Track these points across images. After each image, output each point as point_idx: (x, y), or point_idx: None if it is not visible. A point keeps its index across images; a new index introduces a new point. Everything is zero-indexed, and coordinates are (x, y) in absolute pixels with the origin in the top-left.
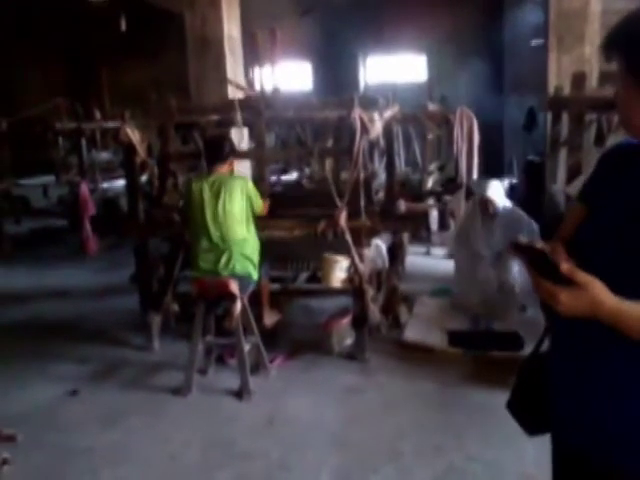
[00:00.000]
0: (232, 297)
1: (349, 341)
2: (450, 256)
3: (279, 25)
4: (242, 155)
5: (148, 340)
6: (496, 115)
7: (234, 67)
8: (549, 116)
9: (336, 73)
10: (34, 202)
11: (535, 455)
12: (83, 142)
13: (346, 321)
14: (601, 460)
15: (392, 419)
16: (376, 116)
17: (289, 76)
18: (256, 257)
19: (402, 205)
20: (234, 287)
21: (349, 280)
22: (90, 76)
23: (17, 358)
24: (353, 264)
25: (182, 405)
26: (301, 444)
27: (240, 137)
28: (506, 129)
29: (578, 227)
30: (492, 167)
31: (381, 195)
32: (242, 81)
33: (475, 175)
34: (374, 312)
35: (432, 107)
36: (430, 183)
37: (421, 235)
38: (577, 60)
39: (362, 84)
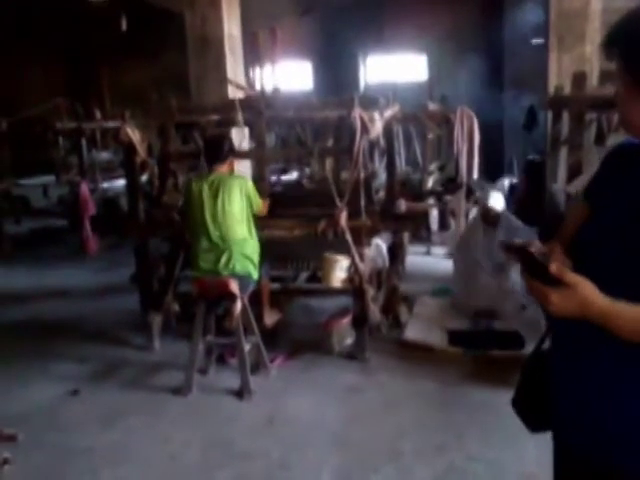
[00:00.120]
0: (232, 297)
1: (349, 341)
2: (450, 255)
3: (279, 25)
4: (242, 155)
5: (148, 340)
6: (496, 114)
7: (234, 67)
8: (549, 115)
9: (336, 73)
10: (34, 202)
11: (536, 454)
12: (83, 142)
13: (346, 321)
14: (601, 460)
15: (392, 418)
16: (376, 116)
17: (289, 76)
18: (256, 257)
19: (402, 205)
20: (234, 287)
21: (349, 280)
22: (90, 76)
23: (17, 358)
24: (353, 264)
25: (182, 405)
26: (301, 444)
27: (241, 137)
28: (506, 128)
29: (581, 227)
30: (492, 166)
31: (381, 195)
32: (242, 81)
33: (475, 175)
34: (374, 312)
35: (432, 106)
36: (430, 183)
37: (421, 235)
38: (577, 59)
39: (362, 84)
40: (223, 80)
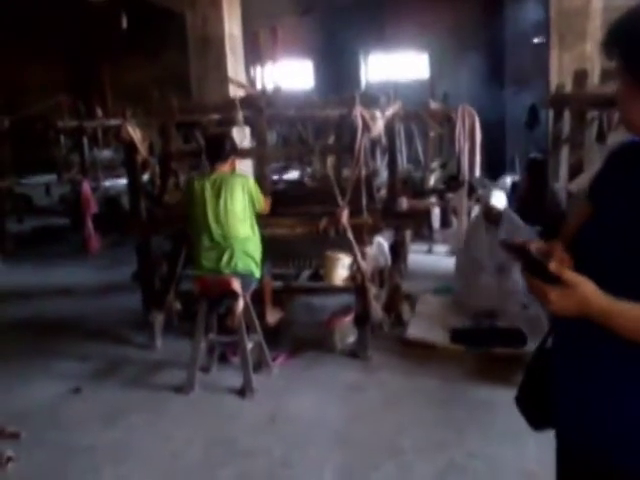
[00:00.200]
0: (234, 295)
1: (351, 339)
2: (452, 254)
3: (280, 23)
4: (244, 153)
5: (150, 338)
6: (498, 112)
7: (235, 66)
8: (551, 113)
9: (337, 71)
10: (36, 200)
11: (536, 452)
12: (85, 140)
13: (348, 319)
14: (601, 459)
15: (394, 416)
16: (378, 114)
17: (290, 74)
18: (258, 255)
19: (404, 203)
20: (236, 285)
21: (351, 278)
22: (91, 74)
23: (19, 355)
24: (355, 262)
25: (184, 403)
26: (303, 442)
27: (242, 136)
28: (508, 126)
29: (583, 225)
30: (494, 164)
31: (383, 193)
32: (243, 80)
33: (477, 173)
34: (376, 310)
35: (434, 105)
36: (432, 181)
37: (423, 233)
38: (578, 57)
39: (363, 82)
40: (224, 79)
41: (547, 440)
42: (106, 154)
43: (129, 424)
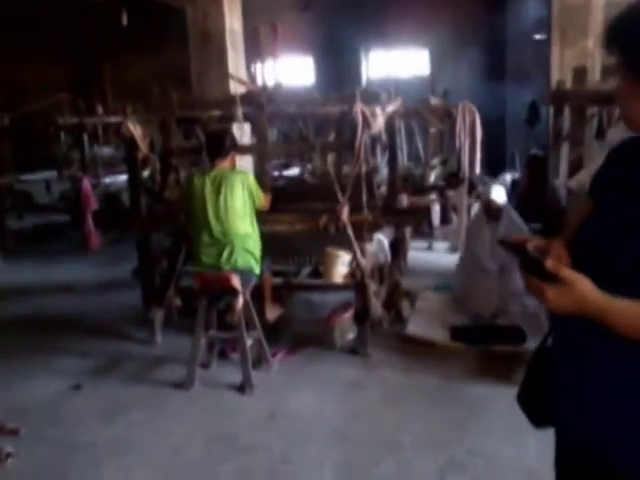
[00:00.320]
0: (234, 292)
1: (351, 336)
2: (452, 251)
3: (281, 19)
4: (244, 150)
5: (150, 334)
6: (498, 109)
7: (236, 62)
8: (551, 110)
9: (338, 68)
10: (37, 197)
11: (536, 449)
12: (85, 137)
13: (348, 316)
14: (600, 457)
15: (394, 413)
16: (378, 110)
17: (291, 71)
18: (258, 251)
19: (404, 200)
20: (236, 282)
21: (351, 275)
22: (92, 71)
23: (20, 352)
24: (355, 259)
25: (184, 399)
26: (303, 438)
27: (241, 132)
28: (508, 123)
29: (583, 222)
30: (495, 161)
31: (383, 189)
32: (244, 76)
33: (478, 170)
34: (376, 307)
35: (434, 101)
36: (432, 177)
37: (423, 230)
38: (580, 54)
39: (364, 79)
40: (225, 75)
41: (547, 438)
42: (106, 151)
43: (129, 420)
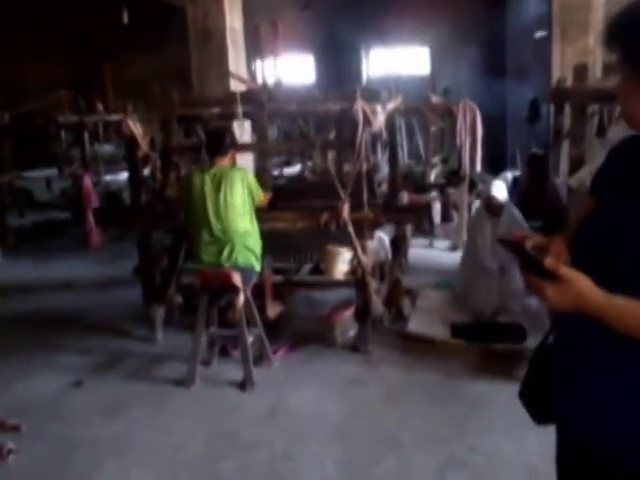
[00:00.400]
0: (235, 289)
1: (352, 333)
2: (453, 248)
3: (281, 18)
4: (244, 147)
5: (151, 332)
6: (499, 107)
7: (236, 60)
8: (552, 108)
9: (338, 66)
10: (37, 195)
11: (537, 446)
12: (86, 135)
13: (349, 313)
14: (601, 455)
15: (394, 410)
16: (379, 108)
17: (291, 69)
18: (258, 249)
19: (405, 197)
20: (237, 279)
21: (352, 272)
22: (92, 69)
23: (21, 349)
24: (356, 256)
25: (185, 396)
26: (304, 435)
27: (241, 130)
28: (509, 121)
29: (584, 220)
30: (495, 159)
31: (384, 187)
32: (244, 74)
33: (478, 167)
34: (377, 304)
35: (435, 99)
36: (433, 175)
37: (424, 228)
38: (581, 51)
39: (365, 77)
40: (225, 73)
41: (548, 435)
42: (107, 149)
43: (130, 417)
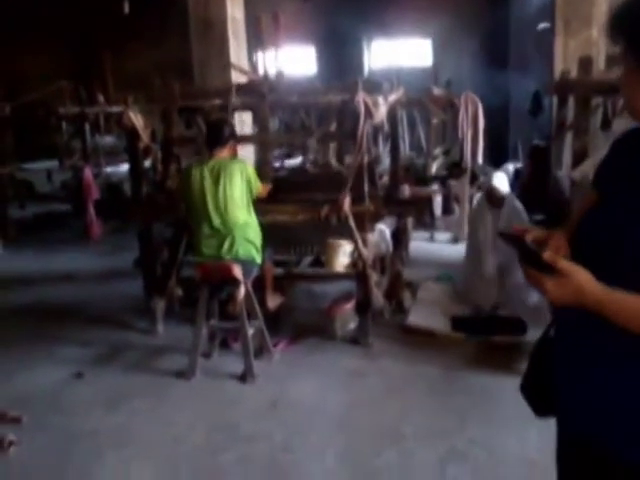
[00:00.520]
0: (235, 282)
1: (352, 325)
2: (455, 241)
3: (283, 9)
4: (245, 139)
5: (152, 324)
6: (501, 99)
7: (237, 51)
8: (555, 100)
9: (340, 57)
10: (38, 187)
11: (537, 439)
12: (86, 127)
13: (349, 306)
14: (601, 449)
15: (395, 403)
16: (380, 100)
17: (293, 60)
18: (259, 241)
19: (406, 190)
20: (237, 272)
21: (353, 265)
22: (93, 60)
23: (22, 341)
24: (357, 249)
25: (186, 388)
26: (304, 427)
27: (241, 122)
28: (511, 113)
29: (587, 213)
30: (497, 152)
31: (385, 180)
32: (246, 65)
33: (480, 160)
34: (377, 297)
35: (437, 91)
36: (434, 168)
37: (425, 220)
38: (584, 43)
39: (366, 68)
40: (226, 64)
41: (548, 428)
42: (108, 140)
43: (131, 409)
